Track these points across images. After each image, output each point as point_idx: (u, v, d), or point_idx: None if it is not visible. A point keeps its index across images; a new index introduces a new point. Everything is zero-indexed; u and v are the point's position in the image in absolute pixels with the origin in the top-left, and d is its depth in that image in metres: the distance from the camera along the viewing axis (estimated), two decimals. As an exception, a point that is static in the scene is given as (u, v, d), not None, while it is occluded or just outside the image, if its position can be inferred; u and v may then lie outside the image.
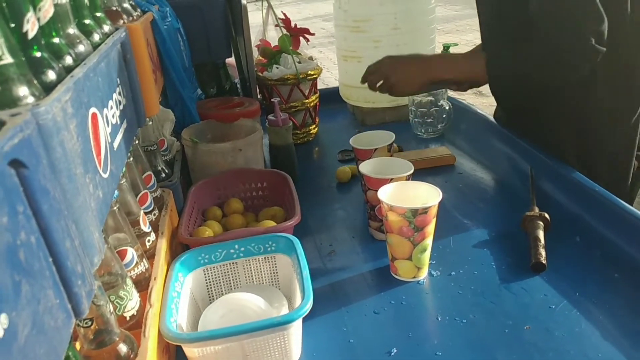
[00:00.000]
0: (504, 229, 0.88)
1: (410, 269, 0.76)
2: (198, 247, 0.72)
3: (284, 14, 1.35)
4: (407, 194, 0.77)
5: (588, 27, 0.83)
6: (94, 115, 0.48)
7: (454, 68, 1.00)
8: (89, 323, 0.44)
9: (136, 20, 0.77)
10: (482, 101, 1.07)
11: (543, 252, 0.76)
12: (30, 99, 0.35)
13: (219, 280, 0.73)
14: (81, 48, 0.51)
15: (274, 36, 1.36)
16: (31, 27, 0.39)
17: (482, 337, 0.65)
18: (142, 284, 0.59)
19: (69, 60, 0.47)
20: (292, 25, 1.32)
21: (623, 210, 0.79)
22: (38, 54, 0.39)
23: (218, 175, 0.96)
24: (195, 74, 1.25)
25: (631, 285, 0.71)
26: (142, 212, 0.65)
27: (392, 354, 0.63)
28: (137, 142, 0.73)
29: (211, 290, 0.73)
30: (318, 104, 1.36)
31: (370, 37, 1.32)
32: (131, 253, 0.57)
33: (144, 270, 0.60)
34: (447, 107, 1.27)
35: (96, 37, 0.57)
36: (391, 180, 0.80)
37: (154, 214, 0.72)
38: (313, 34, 1.35)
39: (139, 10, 0.84)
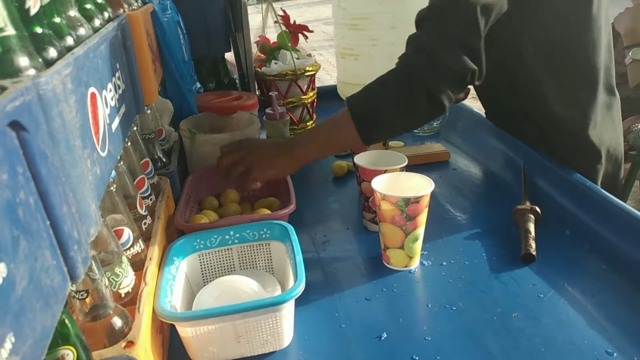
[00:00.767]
0: (496, 222, 0.89)
1: (402, 258, 0.77)
2: (194, 233, 0.73)
3: (284, 11, 1.36)
4: (400, 185, 0.78)
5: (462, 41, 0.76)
6: (93, 94, 0.49)
7: (313, 144, 0.87)
8: (85, 295, 0.45)
9: (136, 10, 0.79)
10: (478, 105, 1.08)
11: (533, 244, 0.78)
12: (32, 71, 0.36)
13: (214, 265, 0.74)
14: (82, 31, 0.52)
15: (273, 38, 1.37)
16: (33, 4, 0.40)
17: (471, 324, 0.66)
18: (138, 265, 0.60)
19: (70, 41, 0.48)
20: (291, 22, 1.33)
21: (613, 204, 0.81)
22: (39, 30, 0.40)
23: (215, 165, 0.97)
24: (195, 68, 1.27)
25: (618, 277, 0.72)
26: (139, 195, 0.67)
27: (382, 338, 0.64)
28: (135, 128, 0.74)
29: (206, 276, 0.74)
30: (316, 100, 1.37)
31: (368, 35, 1.34)
32: (127, 233, 0.59)
33: (139, 251, 0.61)
34: (443, 105, 1.28)
35: (97, 22, 0.58)
36: (385, 171, 0.82)
37: (151, 199, 0.74)
38: (312, 31, 1.36)
39: (139, 1, 0.86)
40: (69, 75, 0.40)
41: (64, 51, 0.44)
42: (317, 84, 1.37)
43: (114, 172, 0.58)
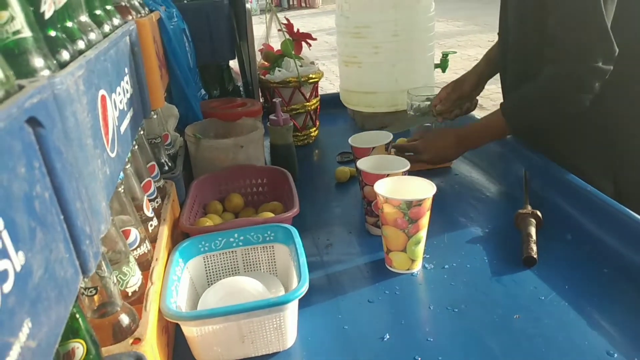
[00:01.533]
0: (498, 227, 0.90)
1: (404, 260, 0.78)
2: (199, 235, 0.74)
3: (287, 20, 1.38)
4: (402, 188, 0.79)
5: (596, 49, 0.86)
6: (103, 97, 0.51)
7: (483, 138, 1.06)
8: (94, 292, 0.46)
9: (144, 17, 0.80)
10: (483, 114, 1.10)
11: (534, 247, 0.78)
12: (46, 72, 0.37)
13: (219, 268, 0.75)
14: (92, 36, 0.53)
15: (277, 47, 1.39)
16: (48, 8, 0.42)
17: (472, 325, 0.67)
18: (144, 265, 0.61)
19: (81, 45, 0.49)
20: (295, 30, 1.35)
21: (614, 209, 0.81)
22: (53, 34, 0.42)
23: (220, 170, 0.98)
24: (200, 75, 1.28)
25: (620, 280, 0.73)
26: (145, 198, 0.68)
27: (385, 339, 0.65)
28: (142, 132, 0.75)
29: (210, 278, 0.75)
30: (319, 107, 1.39)
31: (370, 43, 1.36)
32: (134, 233, 0.60)
33: (146, 252, 0.62)
34: (445, 112, 1.30)
35: (106, 27, 0.60)
36: (387, 175, 0.83)
37: (157, 202, 0.75)
38: (315, 39, 1.38)
39: (146, 8, 0.87)
40: (81, 76, 0.42)
41: (76, 54, 0.45)
42: (320, 93, 1.39)
43: (122, 174, 0.59)
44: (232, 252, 0.75)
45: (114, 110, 0.55)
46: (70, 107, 0.38)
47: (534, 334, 0.64)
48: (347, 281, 0.78)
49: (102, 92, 0.50)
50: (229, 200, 0.95)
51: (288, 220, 0.80)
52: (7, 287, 0.24)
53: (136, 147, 0.70)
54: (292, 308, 0.62)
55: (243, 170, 0.99)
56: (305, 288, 0.61)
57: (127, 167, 0.63)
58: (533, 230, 0.82)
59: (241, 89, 1.44)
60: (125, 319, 0.49)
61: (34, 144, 0.31)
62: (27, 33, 0.36)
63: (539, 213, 0.85)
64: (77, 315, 0.39)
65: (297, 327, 0.66)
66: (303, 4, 12.36)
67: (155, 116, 0.86)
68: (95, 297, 0.48)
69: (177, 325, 0.63)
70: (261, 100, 1.39)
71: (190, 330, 0.60)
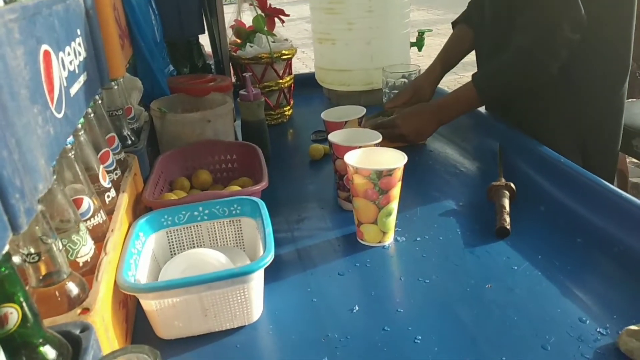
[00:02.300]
0: (472, 200, 0.88)
1: (375, 233, 0.76)
2: (161, 209, 0.71)
3: (259, -5, 1.34)
4: (373, 159, 0.77)
5: (565, 17, 0.86)
6: (47, 52, 0.47)
7: (457, 110, 1.06)
8: (36, 258, 0.43)
9: (102, -19, 0.76)
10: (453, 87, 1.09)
11: (507, 218, 0.77)
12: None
13: (183, 243, 0.72)
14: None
15: (249, 23, 1.35)
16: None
17: (443, 296, 0.65)
18: (100, 237, 0.58)
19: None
20: (267, 5, 1.32)
21: (585, 178, 0.81)
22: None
23: (186, 146, 0.95)
24: (169, 52, 1.24)
25: (592, 249, 0.72)
26: (102, 168, 0.64)
27: (354, 311, 0.63)
28: (100, 102, 0.72)
29: (174, 253, 0.72)
30: (293, 86, 1.36)
31: (344, 19, 1.33)
32: (87, 202, 0.56)
33: (101, 222, 0.59)
34: (420, 89, 1.28)
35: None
36: (359, 147, 0.80)
37: (116, 174, 0.71)
38: (288, 15, 1.35)
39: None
40: (14, 21, 0.38)
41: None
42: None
43: (72, 138, 0.55)
44: (197, 226, 0.72)
45: (62, 69, 0.52)
46: (-2, 49, 0.34)
47: (506, 303, 0.62)
48: (317, 255, 0.76)
49: (45, 46, 0.47)
50: (196, 177, 0.92)
51: (257, 194, 0.77)
52: None
53: (92, 115, 0.66)
54: (257, 279, 0.60)
55: (211, 146, 0.96)
56: (270, 258, 0.58)
57: (80, 133, 0.59)
58: (506, 202, 0.81)
59: (212, 67, 1.40)
60: (73, 289, 0.46)
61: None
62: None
63: (512, 185, 0.84)
64: (13, 279, 0.36)
65: (263, 301, 0.64)
66: (282, -8, 12.22)
67: (116, 87, 0.82)
68: (41, 265, 0.45)
69: (139, 301, 0.59)
70: (233, 79, 1.35)
71: (148, 304, 0.57)
